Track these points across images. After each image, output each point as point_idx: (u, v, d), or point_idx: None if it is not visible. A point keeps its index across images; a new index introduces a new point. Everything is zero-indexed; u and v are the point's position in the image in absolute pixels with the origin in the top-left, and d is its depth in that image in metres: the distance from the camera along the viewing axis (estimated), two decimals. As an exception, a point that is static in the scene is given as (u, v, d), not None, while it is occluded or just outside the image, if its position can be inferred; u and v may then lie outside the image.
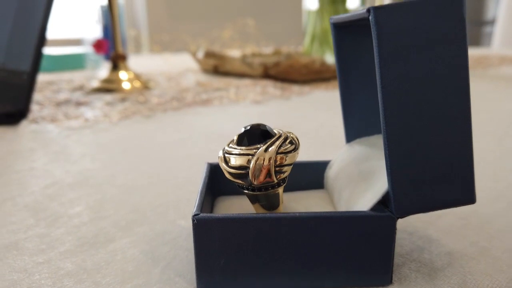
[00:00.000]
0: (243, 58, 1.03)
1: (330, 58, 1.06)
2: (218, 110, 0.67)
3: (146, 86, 0.88)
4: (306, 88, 0.87)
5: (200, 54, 1.06)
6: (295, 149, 0.23)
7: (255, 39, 1.63)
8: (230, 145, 0.24)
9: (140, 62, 0.93)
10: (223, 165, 0.23)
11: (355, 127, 0.28)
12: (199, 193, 0.23)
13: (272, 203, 0.23)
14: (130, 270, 0.24)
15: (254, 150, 0.22)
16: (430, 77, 0.19)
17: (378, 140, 0.27)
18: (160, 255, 0.25)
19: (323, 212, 0.21)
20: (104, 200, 0.33)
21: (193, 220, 0.20)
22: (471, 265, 0.23)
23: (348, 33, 0.27)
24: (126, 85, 0.86)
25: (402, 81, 0.19)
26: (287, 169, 0.23)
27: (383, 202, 0.21)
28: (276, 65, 0.96)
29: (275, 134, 0.23)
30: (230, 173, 0.23)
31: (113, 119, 0.61)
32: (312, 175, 0.29)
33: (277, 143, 0.22)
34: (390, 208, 0.21)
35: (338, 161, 0.28)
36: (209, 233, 0.21)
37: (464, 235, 0.27)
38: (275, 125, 0.56)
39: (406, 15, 0.19)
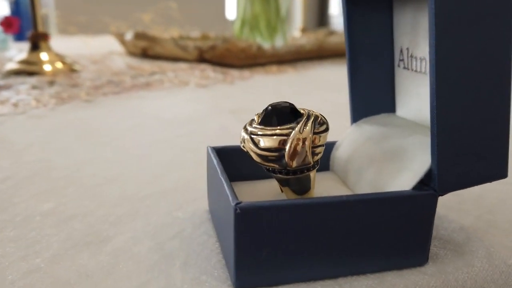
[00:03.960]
0: (176, 41, 0.98)
1: (265, 44, 1.06)
2: (165, 94, 0.63)
3: (71, 69, 0.79)
4: (246, 73, 0.85)
5: (129, 36, 0.98)
6: (327, 129, 0.22)
7: (179, 23, 1.57)
8: (254, 125, 0.22)
9: (55, 44, 0.84)
10: (251, 147, 0.21)
11: (362, 106, 0.28)
12: (223, 180, 0.21)
13: (304, 186, 0.22)
14: (145, 270, 0.21)
15: (289, 130, 0.20)
16: (478, 52, 0.19)
17: (388, 119, 0.27)
18: (172, 252, 0.22)
19: (372, 194, 0.20)
20: (79, 193, 0.29)
21: (235, 210, 0.18)
22: (488, 238, 0.24)
23: (359, 8, 0.26)
24: (47, 67, 0.77)
25: (455, 55, 0.19)
26: (321, 150, 0.21)
27: (421, 181, 0.21)
28: (212, 49, 0.93)
29: (302, 113, 0.22)
30: (261, 155, 0.21)
31: (47, 104, 0.54)
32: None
33: (310, 122, 0.21)
34: (432, 185, 0.20)
35: (348, 141, 0.27)
36: (252, 223, 0.18)
37: (466, 210, 0.28)
38: (235, 108, 0.54)
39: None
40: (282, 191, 0.25)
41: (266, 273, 0.19)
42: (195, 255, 0.22)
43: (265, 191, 0.25)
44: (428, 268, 0.21)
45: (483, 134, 0.20)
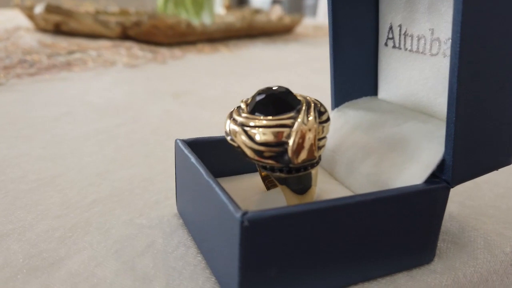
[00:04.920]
0: (95, 16, 0.89)
1: (194, 20, 1.00)
2: (91, 75, 0.56)
3: (-29, 46, 0.68)
4: (177, 52, 0.79)
5: (39, 9, 0.86)
6: (329, 118, 0.19)
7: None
8: (243, 114, 0.18)
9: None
10: (245, 141, 0.17)
11: (343, 90, 0.25)
12: (213, 183, 0.17)
13: (305, 185, 0.19)
14: (118, 302, 0.16)
15: (290, 121, 0.17)
16: (498, 38, 0.17)
17: (372, 104, 0.25)
18: (147, 273, 0.18)
19: (388, 190, 0.17)
20: (7, 202, 0.23)
21: (241, 222, 0.15)
22: (481, 226, 0.23)
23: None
24: None
25: (479, 38, 0.17)
26: (324, 143, 0.18)
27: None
28: (137, 25, 0.86)
29: (299, 99, 0.19)
30: (257, 151, 0.17)
31: None
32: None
33: (312, 111, 0.18)
34: (443, 177, 0.19)
35: (332, 129, 0.24)
36: (262, 237, 0.15)
37: (446, 196, 0.27)
38: (175, 91, 0.49)
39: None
40: (268, 188, 0.22)
41: (274, 293, 0.16)
42: (177, 275, 0.18)
43: (247, 189, 0.22)
44: (436, 265, 0.20)
45: (494, 122, 0.19)
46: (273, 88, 0.18)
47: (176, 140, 0.22)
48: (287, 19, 1.20)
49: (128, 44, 0.82)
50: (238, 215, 0.15)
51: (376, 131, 0.22)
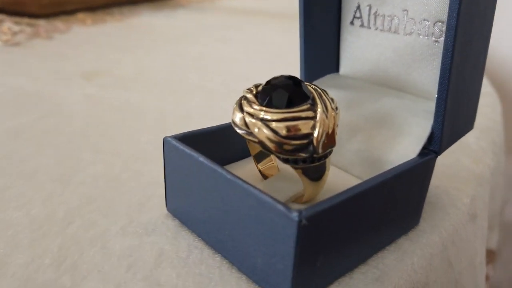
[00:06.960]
0: None
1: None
2: (-31, 59, 0.47)
3: None
4: (59, 24, 0.70)
5: None
6: (337, 105, 0.19)
7: None
8: (256, 106, 0.17)
9: None
10: (270, 136, 0.17)
11: (311, 69, 0.26)
12: (242, 183, 0.17)
13: (322, 171, 0.19)
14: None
15: (309, 112, 0.17)
16: (479, 21, 0.19)
17: (339, 81, 0.26)
18: (176, 284, 0.17)
19: (399, 167, 0.19)
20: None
21: (299, 221, 0.15)
22: (440, 184, 0.26)
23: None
24: None
25: (469, 22, 0.18)
26: (337, 130, 0.19)
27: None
28: (2, -6, 0.74)
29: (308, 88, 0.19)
30: (282, 145, 0.17)
31: None
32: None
33: (327, 100, 0.18)
34: (431, 147, 0.21)
35: (308, 108, 0.25)
36: (314, 232, 0.15)
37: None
38: (83, 72, 0.45)
39: None
40: (265, 178, 0.22)
41: (317, 281, 0.17)
42: (207, 280, 0.17)
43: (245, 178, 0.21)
44: (423, 225, 0.22)
45: (468, 96, 0.21)
46: (284, 77, 0.18)
47: (165, 138, 0.20)
48: (169, -17, 1.14)
49: (-3, 16, 0.70)
50: (294, 215, 0.15)
51: (357, 109, 0.23)
